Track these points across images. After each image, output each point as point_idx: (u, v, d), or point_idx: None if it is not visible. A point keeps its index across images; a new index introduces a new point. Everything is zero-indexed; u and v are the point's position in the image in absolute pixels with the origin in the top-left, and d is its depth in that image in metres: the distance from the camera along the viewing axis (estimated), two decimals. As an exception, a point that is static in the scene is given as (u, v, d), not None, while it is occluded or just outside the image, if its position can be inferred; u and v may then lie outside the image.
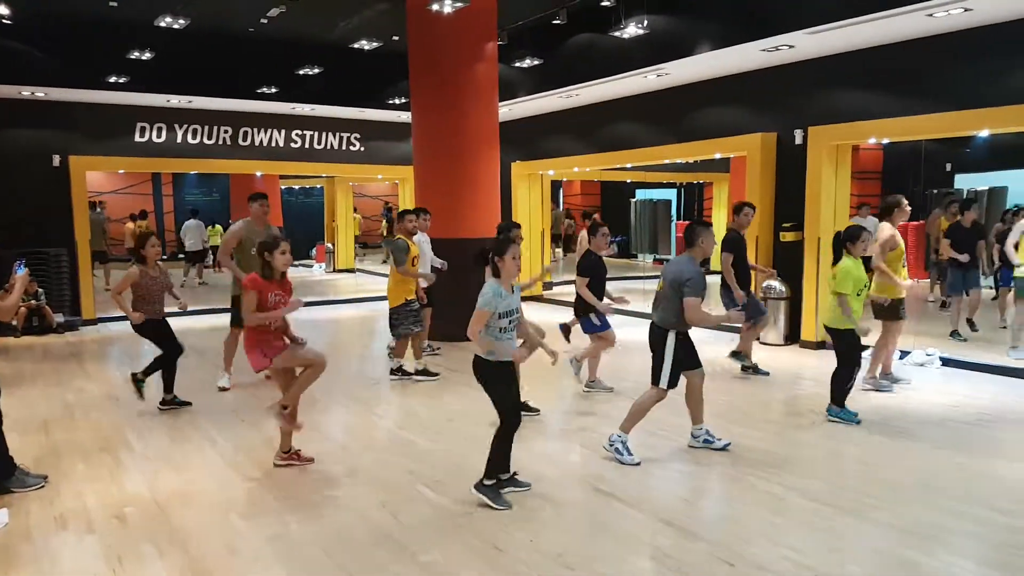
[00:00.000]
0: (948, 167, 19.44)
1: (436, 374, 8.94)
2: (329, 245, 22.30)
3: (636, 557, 4.50)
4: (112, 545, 4.69)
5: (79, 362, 10.33)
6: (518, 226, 8.03)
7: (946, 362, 9.02)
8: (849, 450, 6.44)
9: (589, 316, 7.86)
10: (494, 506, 5.18)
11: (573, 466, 6.09)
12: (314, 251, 23.48)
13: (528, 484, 5.48)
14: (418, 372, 8.90)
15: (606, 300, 7.79)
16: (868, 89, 9.66)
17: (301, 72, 13.28)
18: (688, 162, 18.96)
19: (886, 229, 7.93)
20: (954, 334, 10.33)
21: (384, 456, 6.30)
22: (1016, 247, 9.41)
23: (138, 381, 7.58)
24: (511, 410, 5.27)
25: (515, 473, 5.48)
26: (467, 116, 10.96)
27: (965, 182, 19.27)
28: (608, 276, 8.02)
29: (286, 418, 5.89)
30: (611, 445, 6.07)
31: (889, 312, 7.89)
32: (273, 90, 13.43)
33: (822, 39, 9.22)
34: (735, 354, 8.91)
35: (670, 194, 24.43)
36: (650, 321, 6.13)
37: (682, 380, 6.10)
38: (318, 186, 23.40)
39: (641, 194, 21.79)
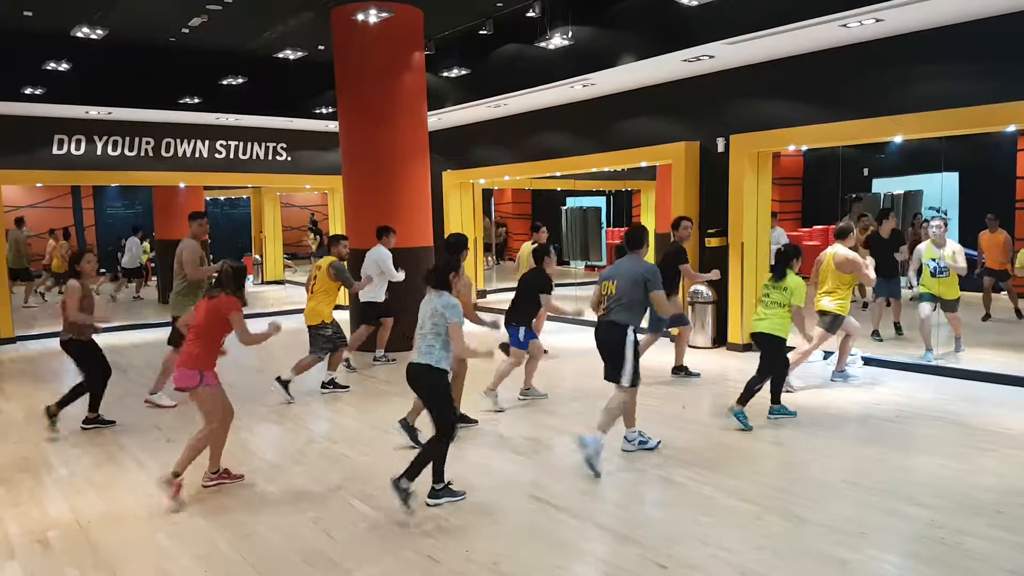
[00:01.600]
0: (865, 172, 20.10)
1: (346, 387, 8.97)
2: (257, 257, 21.94)
3: (572, 563, 4.55)
4: (34, 571, 4.54)
5: (-5, 383, 9.98)
6: (465, 238, 7.96)
7: (867, 361, 9.32)
8: (776, 450, 6.61)
9: (519, 329, 7.92)
10: (457, 499, 5.38)
11: (509, 474, 6.11)
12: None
13: (463, 493, 5.49)
14: (326, 384, 8.87)
15: (492, 317, 7.70)
16: (787, 98, 9.96)
17: (225, 82, 13.08)
18: (617, 170, 19.27)
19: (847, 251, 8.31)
20: (874, 334, 10.68)
21: (315, 471, 6.23)
22: (918, 272, 9.70)
23: (51, 415, 7.35)
24: (454, 423, 5.41)
25: (449, 483, 5.49)
26: (396, 126, 10.93)
27: (882, 186, 19.94)
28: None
29: (173, 486, 5.50)
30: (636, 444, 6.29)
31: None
32: (196, 100, 13.15)
33: (741, 49, 9.47)
34: (678, 369, 9.15)
35: (600, 202, 24.74)
36: (601, 323, 6.22)
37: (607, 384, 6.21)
38: (244, 197, 23.00)
39: (572, 202, 22.01)
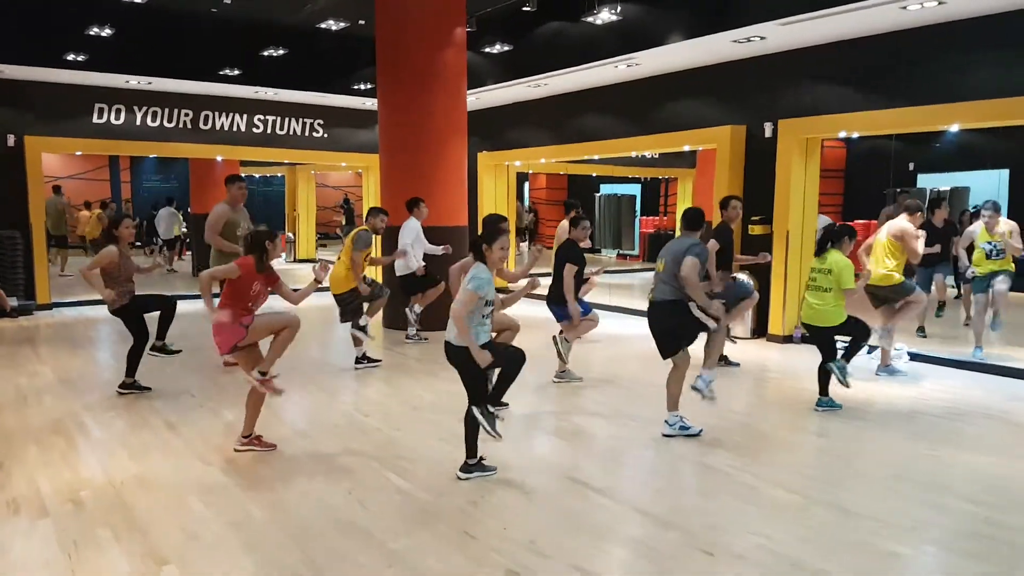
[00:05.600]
0: (911, 166, 19.67)
1: (378, 360, 8.85)
2: (290, 235, 21.95)
3: (611, 546, 4.41)
4: (67, 530, 4.48)
5: (32, 346, 9.98)
6: (505, 219, 7.85)
7: (913, 357, 9.06)
8: (820, 442, 6.42)
9: (565, 304, 7.78)
10: (488, 474, 5.30)
11: (544, 455, 5.99)
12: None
13: (494, 468, 5.38)
14: (359, 359, 8.76)
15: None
16: (839, 83, 9.68)
17: (265, 53, 12.98)
18: (653, 157, 19.01)
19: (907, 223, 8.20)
20: (919, 330, 10.40)
21: (349, 443, 6.13)
22: (969, 251, 9.46)
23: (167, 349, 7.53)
24: (482, 395, 5.21)
25: (482, 457, 5.38)
26: (435, 103, 10.77)
27: (928, 182, 19.50)
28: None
29: (267, 384, 5.68)
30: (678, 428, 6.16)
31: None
32: (235, 72, 13.09)
33: (794, 31, 9.21)
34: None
35: (634, 189, 24.49)
36: (653, 304, 6.16)
37: (667, 362, 6.17)
38: (279, 175, 23.01)
39: (606, 189, 21.78)
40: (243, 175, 18.93)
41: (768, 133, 10.44)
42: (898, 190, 18.34)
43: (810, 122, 9.85)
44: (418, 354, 9.59)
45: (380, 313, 9.57)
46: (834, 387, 7.08)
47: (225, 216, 8.35)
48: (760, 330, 10.59)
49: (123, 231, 7.24)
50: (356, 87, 14.01)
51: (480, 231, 6.22)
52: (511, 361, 5.24)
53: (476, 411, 5.17)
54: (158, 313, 7.52)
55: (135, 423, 6.61)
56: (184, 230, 20.13)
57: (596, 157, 13.84)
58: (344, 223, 23.15)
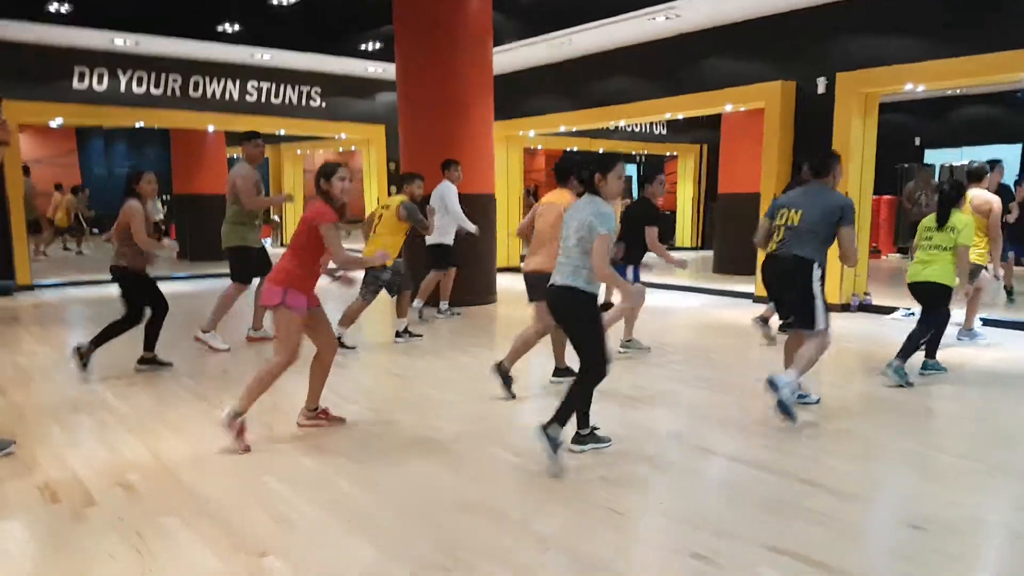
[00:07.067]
0: (917, 141, 19.24)
1: (420, 335, 8.02)
2: (275, 218, 20.84)
3: (791, 520, 3.62)
4: (124, 519, 3.60)
5: (22, 326, 8.93)
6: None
7: (984, 323, 8.46)
8: (951, 406, 5.76)
9: (627, 268, 6.98)
10: (602, 445, 4.53)
11: (652, 424, 5.17)
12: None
13: (609, 440, 4.60)
14: (400, 333, 7.89)
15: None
16: (901, 31, 8.98)
17: (270, 1, 11.77)
18: (661, 132, 18.39)
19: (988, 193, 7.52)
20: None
21: (425, 418, 5.27)
22: None
23: (83, 355, 6.32)
24: (604, 356, 4.36)
25: (595, 428, 4.59)
26: (460, 59, 9.90)
27: (935, 157, 19.10)
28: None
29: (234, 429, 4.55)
30: (795, 396, 5.05)
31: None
32: (235, 28, 11.74)
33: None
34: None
35: (630, 170, 23.82)
36: (779, 257, 5.22)
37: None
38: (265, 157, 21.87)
39: (603, 169, 21.05)
40: (230, 155, 17.99)
41: (821, 89, 9.74)
42: (905, 165, 17.90)
43: (871, 75, 9.16)
44: (456, 328, 8.75)
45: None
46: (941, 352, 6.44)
47: (254, 176, 7.47)
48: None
49: (144, 186, 6.26)
50: (364, 47, 12.95)
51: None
52: (592, 376, 4.40)
53: (574, 444, 4.44)
54: (147, 319, 6.54)
55: (166, 399, 5.69)
56: (162, 216, 18.90)
57: (622, 122, 12.98)
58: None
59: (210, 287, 11.67)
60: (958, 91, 14.88)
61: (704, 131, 17.63)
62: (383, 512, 3.70)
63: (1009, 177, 13.12)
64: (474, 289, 10.06)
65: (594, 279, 4.26)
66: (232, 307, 7.44)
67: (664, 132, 18.31)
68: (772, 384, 4.92)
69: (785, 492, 3.96)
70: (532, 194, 20.40)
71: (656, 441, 4.78)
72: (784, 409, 4.89)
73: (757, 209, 10.74)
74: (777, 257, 5.24)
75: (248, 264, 7.46)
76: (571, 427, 4.39)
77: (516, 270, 14.08)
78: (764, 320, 7.89)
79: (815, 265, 5.07)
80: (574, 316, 4.34)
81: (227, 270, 7.64)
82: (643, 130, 17.67)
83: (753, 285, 10.57)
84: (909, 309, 9.35)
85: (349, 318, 7.44)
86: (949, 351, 7.14)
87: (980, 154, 18.95)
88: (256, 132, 7.72)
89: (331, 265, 4.82)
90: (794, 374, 5.01)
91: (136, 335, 6.41)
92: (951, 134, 18.63)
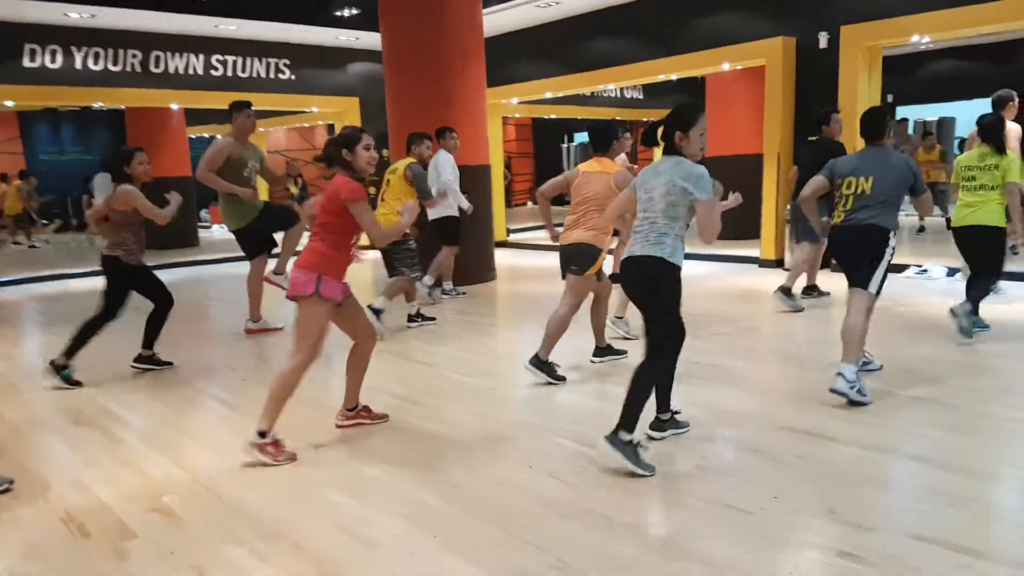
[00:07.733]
0: (890, 98, 19.09)
1: (433, 318, 7.48)
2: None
3: (925, 505, 3.27)
4: (175, 551, 3.09)
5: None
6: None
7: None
8: (1014, 365, 5.42)
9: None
10: (682, 431, 4.15)
11: (727, 405, 4.76)
12: (207, 211, 21.01)
13: (687, 425, 4.21)
14: (412, 317, 7.38)
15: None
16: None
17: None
18: (636, 96, 17.94)
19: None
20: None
21: (474, 407, 4.84)
22: None
23: (60, 369, 5.61)
24: (682, 325, 3.97)
25: (676, 412, 4.18)
26: (450, 21, 9.32)
27: (907, 113, 19.00)
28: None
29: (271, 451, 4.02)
30: (851, 386, 4.55)
31: None
32: None
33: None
34: (810, 289, 7.95)
35: (581, 138, 23.34)
36: (853, 227, 4.78)
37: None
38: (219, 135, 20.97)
39: (579, 138, 20.60)
40: (191, 135, 17.11)
41: (823, 43, 9.40)
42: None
43: (877, 27, 8.81)
44: (464, 308, 8.26)
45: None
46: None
47: (227, 150, 6.67)
48: (824, 260, 9.58)
49: (136, 167, 5.64)
50: (339, 13, 12.22)
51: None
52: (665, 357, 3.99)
53: (608, 444, 3.66)
54: (147, 316, 6.03)
55: (177, 404, 5.15)
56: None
57: (611, 86, 12.43)
58: (296, 192, 21.16)
59: (184, 276, 11.04)
60: (930, 45, 14.71)
61: (684, 96, 17.20)
62: (473, 523, 3.24)
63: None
64: (473, 266, 9.56)
65: (680, 251, 3.84)
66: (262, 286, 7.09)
67: (640, 96, 17.86)
68: (841, 385, 4.55)
69: (903, 473, 3.62)
70: (507, 166, 19.90)
71: (736, 423, 4.37)
72: (851, 400, 4.55)
73: (750, 171, 10.43)
74: (850, 227, 4.83)
75: (253, 243, 7.08)
76: (643, 422, 3.96)
77: (504, 244, 13.64)
78: (786, 291, 7.55)
79: (891, 234, 4.73)
80: (656, 289, 3.90)
81: (193, 257, 7.16)
82: (619, 96, 17.20)
83: (758, 249, 10.29)
84: (921, 266, 9.20)
85: (393, 293, 7.00)
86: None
87: (953, 110, 18.95)
88: (247, 101, 7.03)
89: None
90: (853, 365, 4.63)
91: (111, 332, 5.79)
92: (923, 91, 18.53)
